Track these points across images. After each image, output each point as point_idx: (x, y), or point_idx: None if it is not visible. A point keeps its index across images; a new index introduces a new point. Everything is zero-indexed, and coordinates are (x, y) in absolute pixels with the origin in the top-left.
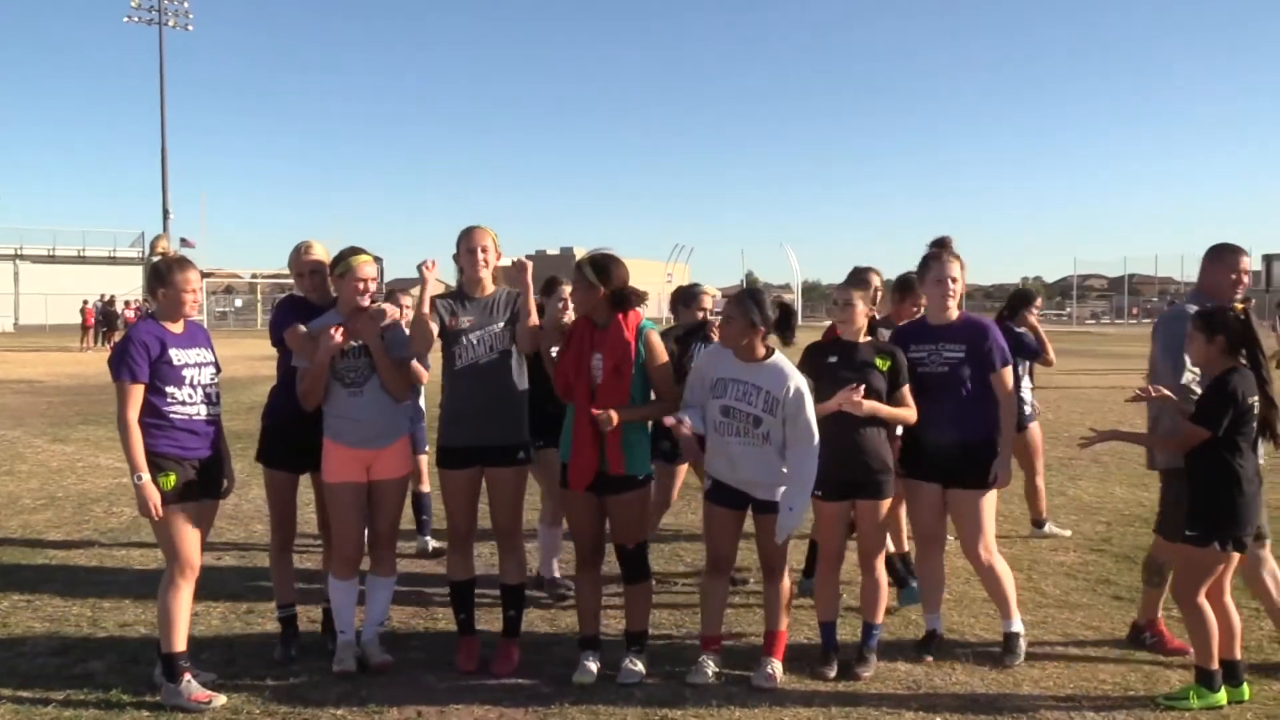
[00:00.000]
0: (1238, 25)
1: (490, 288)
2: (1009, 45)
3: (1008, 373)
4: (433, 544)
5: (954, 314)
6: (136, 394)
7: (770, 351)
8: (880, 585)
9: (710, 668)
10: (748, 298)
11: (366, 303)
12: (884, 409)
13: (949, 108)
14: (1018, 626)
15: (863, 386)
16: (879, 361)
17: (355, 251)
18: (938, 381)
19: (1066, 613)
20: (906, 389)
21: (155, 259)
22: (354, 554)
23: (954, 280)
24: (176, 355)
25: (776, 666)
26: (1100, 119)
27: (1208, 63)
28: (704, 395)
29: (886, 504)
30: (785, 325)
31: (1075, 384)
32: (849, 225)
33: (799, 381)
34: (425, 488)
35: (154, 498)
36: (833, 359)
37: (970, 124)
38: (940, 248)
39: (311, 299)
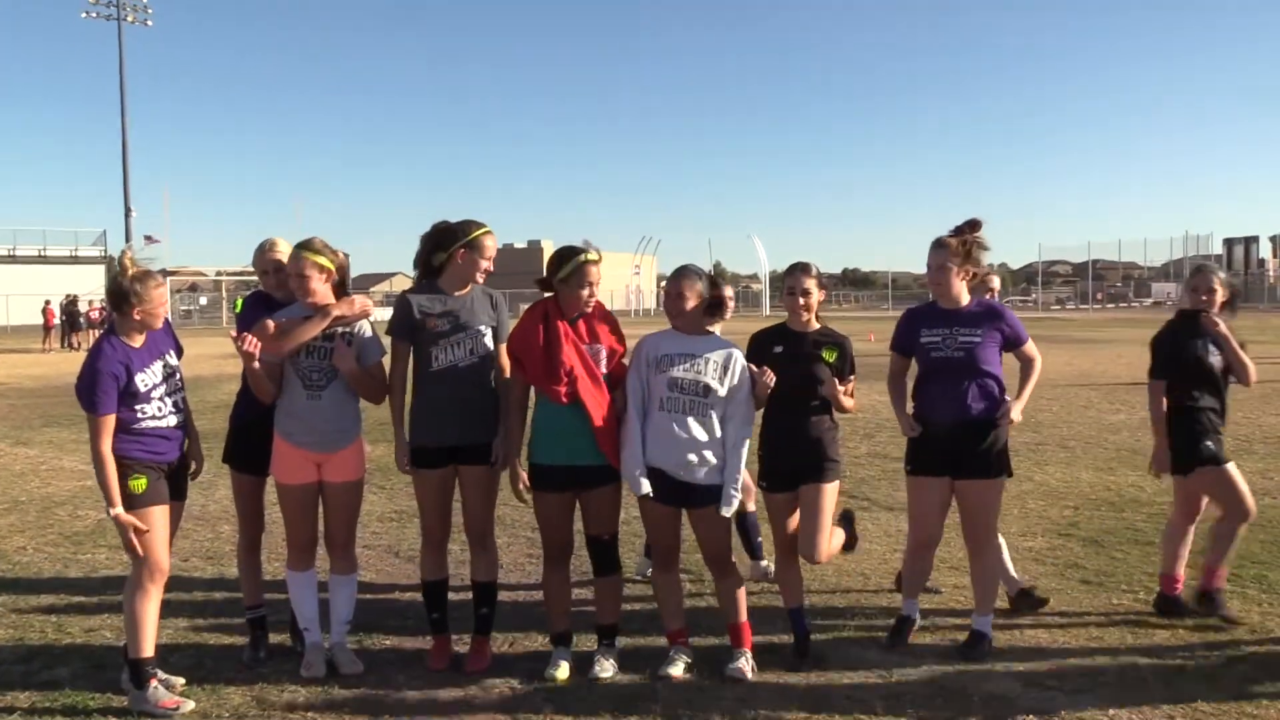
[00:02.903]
0: (1196, 11)
1: (471, 287)
2: (971, 32)
3: (1029, 345)
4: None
5: (964, 299)
6: (108, 425)
7: (711, 329)
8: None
9: (682, 660)
10: (699, 270)
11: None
12: (836, 394)
13: (913, 96)
14: (989, 629)
15: (767, 368)
16: (825, 353)
17: (305, 244)
18: (954, 365)
19: None
20: (853, 381)
21: (119, 278)
22: (305, 545)
23: (944, 268)
24: (142, 379)
25: (747, 656)
26: (1063, 105)
27: (1168, 48)
28: (646, 376)
29: (830, 488)
30: (718, 305)
31: (1041, 370)
32: (815, 215)
33: (739, 353)
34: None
35: (131, 525)
36: (778, 348)
37: (935, 112)
38: (950, 233)
39: (276, 296)
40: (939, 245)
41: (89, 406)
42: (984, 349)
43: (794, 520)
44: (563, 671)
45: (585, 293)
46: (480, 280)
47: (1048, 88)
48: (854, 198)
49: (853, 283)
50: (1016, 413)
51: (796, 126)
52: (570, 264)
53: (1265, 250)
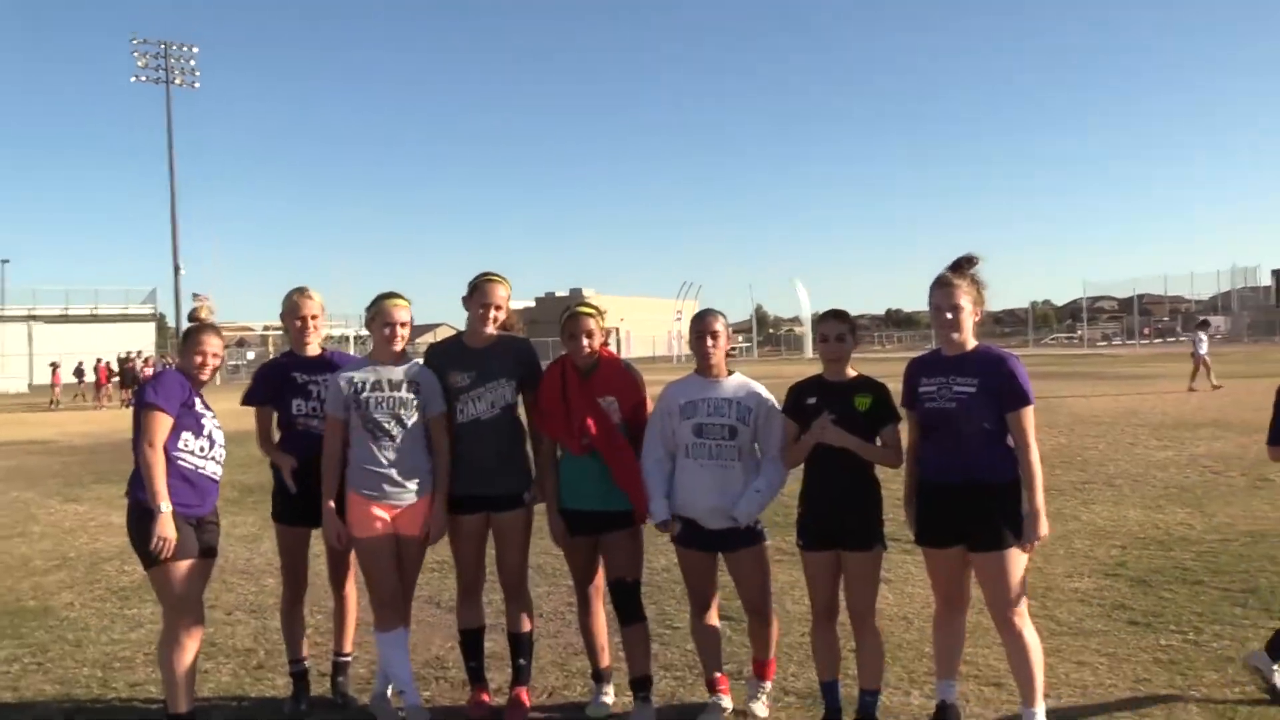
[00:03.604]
0: (1232, 40)
1: (492, 337)
2: (1015, 73)
3: (1027, 414)
4: None
5: (968, 344)
6: (165, 423)
7: (731, 371)
8: (877, 647)
9: (723, 707)
10: (719, 313)
11: (398, 347)
12: (854, 441)
13: (954, 135)
14: (1041, 718)
15: (833, 415)
16: (859, 401)
17: (387, 295)
18: (945, 418)
19: (1081, 639)
20: (898, 429)
21: (190, 323)
22: (391, 600)
23: (954, 309)
24: (199, 405)
25: (768, 687)
26: (1104, 140)
27: (1207, 82)
28: (671, 426)
29: (874, 556)
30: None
31: (1087, 408)
32: (857, 256)
33: (766, 393)
34: None
35: (171, 533)
36: (811, 400)
37: (976, 149)
38: (949, 270)
39: (297, 352)
40: (947, 284)
41: (145, 401)
42: (979, 401)
43: (833, 582)
44: (608, 699)
45: (577, 343)
46: (489, 329)
47: (1088, 124)
48: (896, 238)
49: (896, 323)
50: (1042, 528)
51: (838, 168)
52: (473, 287)
53: None
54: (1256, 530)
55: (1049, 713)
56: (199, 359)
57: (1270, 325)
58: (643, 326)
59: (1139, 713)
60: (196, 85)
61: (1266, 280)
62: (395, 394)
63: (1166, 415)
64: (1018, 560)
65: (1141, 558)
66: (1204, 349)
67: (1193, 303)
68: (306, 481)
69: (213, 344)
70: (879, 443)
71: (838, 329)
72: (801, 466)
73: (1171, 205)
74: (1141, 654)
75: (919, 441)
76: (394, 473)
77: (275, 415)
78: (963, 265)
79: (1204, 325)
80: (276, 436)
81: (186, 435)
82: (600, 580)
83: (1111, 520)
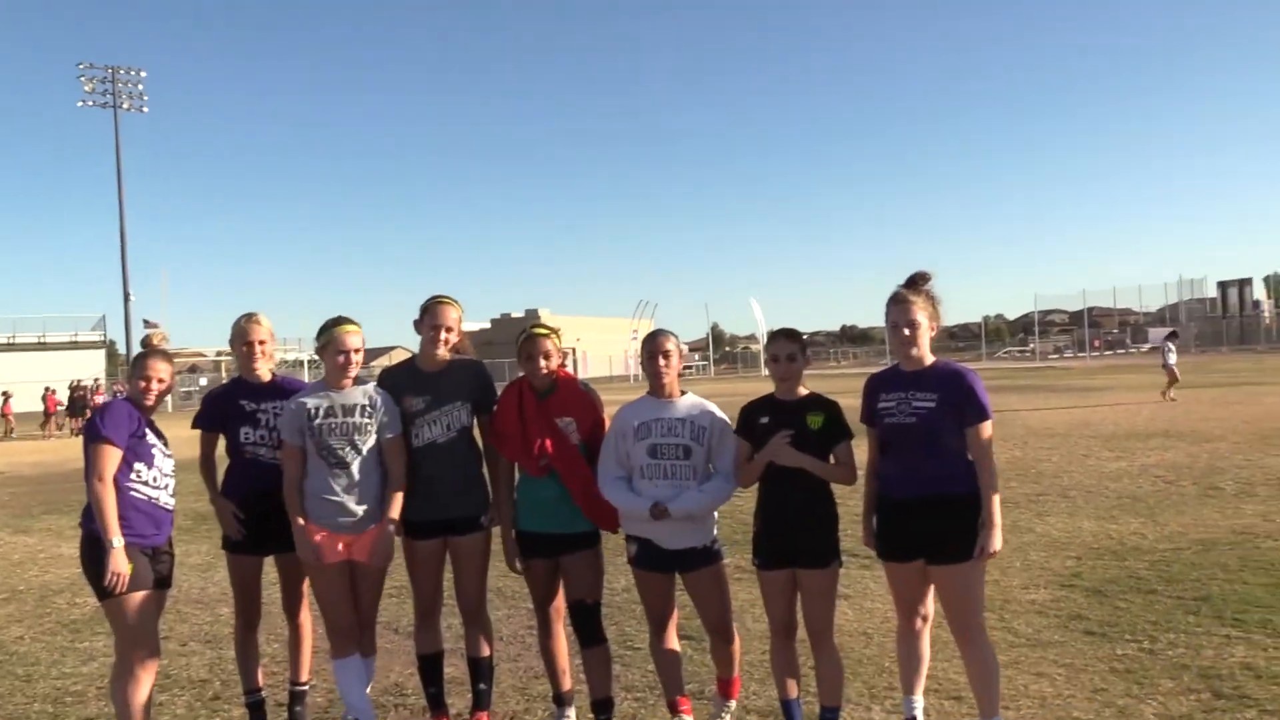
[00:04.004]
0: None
1: (445, 360)
2: (963, 89)
3: (986, 428)
4: None
5: (925, 360)
6: (114, 456)
7: (684, 391)
8: (836, 663)
9: None
10: (670, 332)
11: (352, 374)
12: (808, 460)
13: (905, 151)
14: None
15: (789, 434)
16: (811, 419)
17: (338, 321)
18: (904, 433)
19: (1039, 650)
20: (848, 446)
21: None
22: (346, 628)
23: (911, 325)
24: (150, 435)
25: (732, 705)
26: (1051, 154)
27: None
28: (625, 448)
29: (830, 574)
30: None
31: (1041, 421)
32: (812, 274)
33: (719, 412)
34: None
35: (124, 567)
36: (764, 419)
37: (927, 166)
38: (904, 287)
39: (246, 378)
40: (903, 300)
41: (94, 434)
42: (939, 416)
43: (790, 600)
44: None
45: (534, 365)
46: (441, 351)
47: (1036, 139)
48: (850, 255)
49: (851, 339)
50: (996, 541)
51: (791, 187)
52: (424, 310)
53: (1259, 292)
54: (1207, 539)
55: None
56: (143, 384)
57: (1217, 336)
58: (599, 346)
59: None
60: (145, 109)
61: (1213, 292)
62: (349, 419)
63: (1118, 426)
64: (976, 574)
65: (1096, 568)
66: (1173, 359)
67: (1141, 315)
68: (255, 510)
69: (160, 369)
70: (832, 460)
71: (788, 349)
72: (756, 485)
73: (1119, 218)
74: (1098, 664)
75: (878, 457)
76: (348, 501)
77: (223, 440)
78: (917, 281)
79: (1173, 336)
80: (225, 463)
81: (139, 466)
82: (561, 602)
83: (1066, 531)
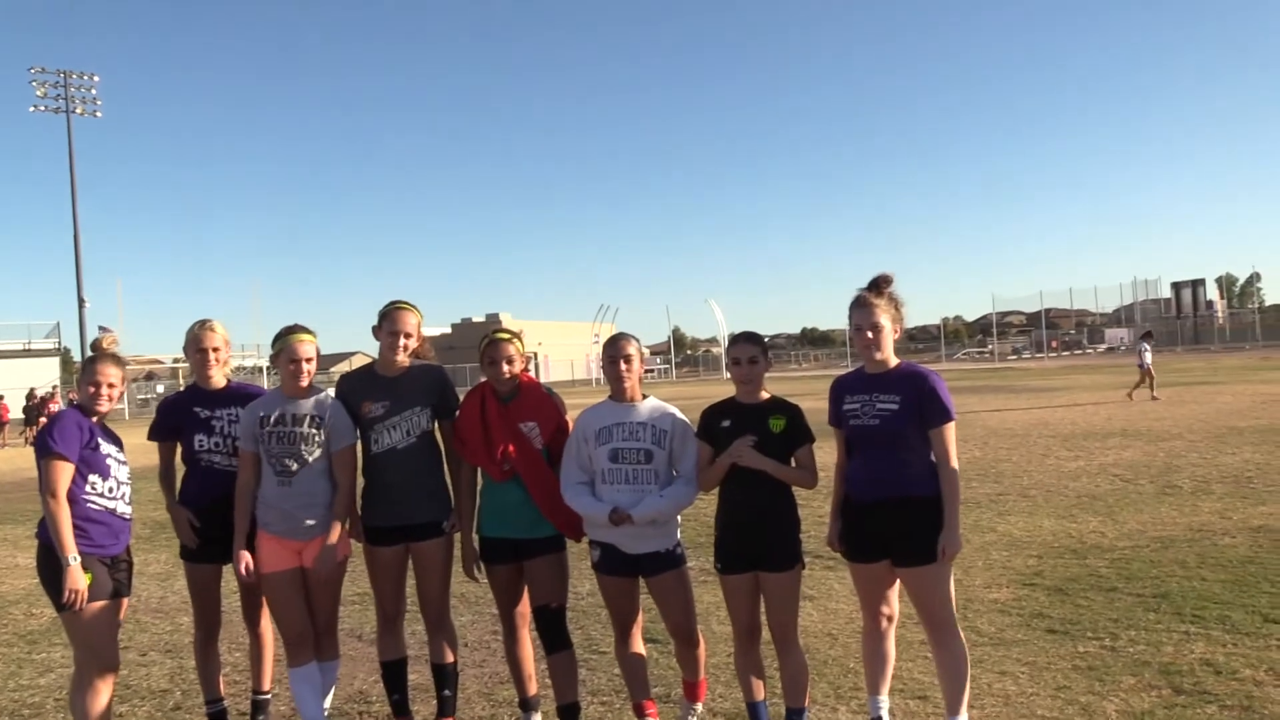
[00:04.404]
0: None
1: (404, 365)
2: (918, 89)
3: (948, 429)
4: None
5: (890, 362)
6: (67, 471)
7: (645, 395)
8: (801, 664)
9: None
10: (631, 336)
11: (304, 382)
12: (771, 464)
13: (864, 155)
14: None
15: (753, 438)
16: (773, 422)
17: (292, 330)
18: (869, 435)
19: (1002, 649)
20: (809, 449)
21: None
22: (299, 636)
23: (875, 328)
24: (103, 444)
25: (698, 708)
26: (1008, 157)
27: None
28: (587, 452)
29: (793, 577)
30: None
31: (1000, 422)
32: (772, 276)
33: (681, 415)
34: None
35: (81, 584)
36: (726, 423)
37: (885, 168)
38: (866, 290)
39: (200, 385)
40: (866, 304)
41: (46, 449)
42: (902, 418)
43: (753, 603)
44: None
45: (497, 369)
46: (400, 358)
47: (994, 142)
48: (810, 257)
49: (811, 342)
50: (956, 543)
51: (750, 188)
52: (382, 316)
53: (1212, 292)
54: (1166, 536)
55: None
56: (92, 389)
57: (1171, 336)
58: (561, 351)
59: (1060, 719)
60: (99, 114)
61: (1167, 292)
62: (298, 429)
63: (1076, 426)
64: (943, 573)
65: (1057, 567)
66: (1149, 359)
67: (1098, 315)
68: (212, 518)
69: (110, 374)
70: (794, 464)
71: (750, 352)
72: (718, 489)
73: (1076, 220)
74: (1061, 662)
75: (845, 459)
76: (295, 508)
77: (179, 450)
78: (880, 284)
79: (1148, 336)
80: (181, 471)
81: (94, 478)
82: (525, 607)
83: (1027, 531)
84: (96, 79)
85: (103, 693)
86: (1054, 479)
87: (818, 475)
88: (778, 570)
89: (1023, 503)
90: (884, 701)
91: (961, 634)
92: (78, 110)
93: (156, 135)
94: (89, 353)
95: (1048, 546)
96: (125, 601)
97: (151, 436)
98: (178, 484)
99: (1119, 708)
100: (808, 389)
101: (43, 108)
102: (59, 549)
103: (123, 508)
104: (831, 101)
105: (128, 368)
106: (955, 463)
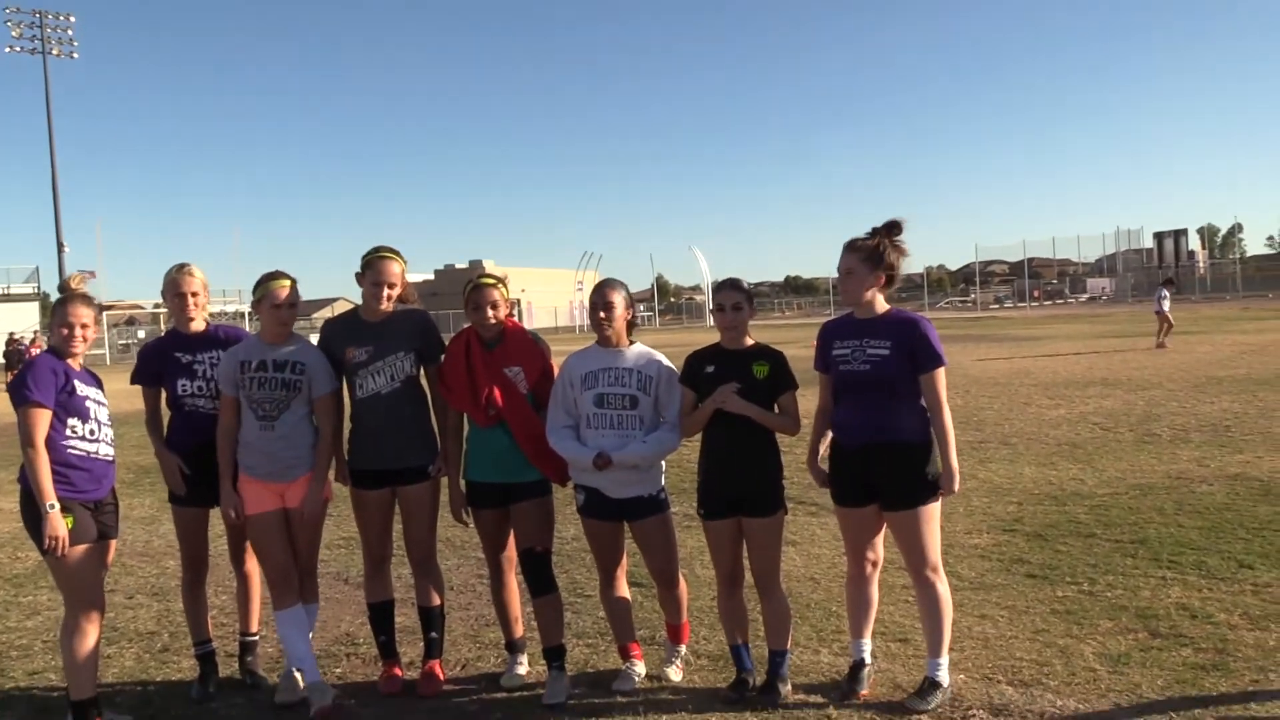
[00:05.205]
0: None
1: (388, 311)
2: (901, 38)
3: (939, 375)
4: None
5: (879, 308)
6: (44, 418)
7: (633, 341)
8: (784, 608)
9: (636, 673)
10: (620, 283)
11: (286, 328)
12: (754, 409)
13: (849, 102)
14: (944, 676)
15: (736, 384)
16: (757, 369)
17: (273, 276)
18: (859, 380)
19: (982, 594)
20: (792, 395)
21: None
22: (284, 577)
23: (851, 273)
24: (80, 387)
25: (682, 650)
26: (995, 104)
27: (1094, 46)
28: (572, 396)
29: (775, 522)
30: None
31: (982, 370)
32: (756, 224)
33: (667, 362)
34: None
35: (61, 531)
36: (710, 368)
37: (871, 116)
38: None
39: (180, 329)
40: (848, 248)
41: (21, 397)
42: (893, 364)
43: (735, 548)
44: (522, 669)
45: (481, 315)
46: (384, 304)
47: (978, 89)
48: (794, 204)
49: (795, 290)
50: (957, 483)
51: (734, 136)
52: (366, 264)
53: (1194, 243)
54: (1144, 484)
55: (952, 665)
56: (65, 331)
57: (1152, 286)
58: (544, 298)
59: (1038, 661)
60: (75, 56)
61: (1149, 242)
62: (279, 374)
63: (1057, 375)
64: (931, 517)
65: (1037, 513)
66: (1167, 306)
67: (1080, 265)
68: (199, 462)
69: (82, 314)
70: (777, 410)
71: (734, 298)
72: (701, 435)
73: (1059, 169)
74: (1040, 605)
75: (831, 405)
76: (278, 450)
77: (164, 394)
78: (879, 231)
79: (1169, 283)
80: (167, 416)
81: (73, 421)
82: (512, 551)
83: (1008, 478)
84: (73, 19)
85: (90, 634)
86: (1035, 427)
87: (800, 422)
88: (759, 515)
89: (1004, 450)
90: (866, 644)
91: (945, 581)
92: (54, 51)
93: (134, 77)
94: (58, 294)
95: (1028, 493)
96: (113, 544)
97: (134, 381)
98: (165, 430)
99: (1096, 650)
100: (791, 337)
101: (18, 48)
102: (38, 497)
103: (105, 450)
104: (812, 44)
105: (110, 312)
106: (947, 407)
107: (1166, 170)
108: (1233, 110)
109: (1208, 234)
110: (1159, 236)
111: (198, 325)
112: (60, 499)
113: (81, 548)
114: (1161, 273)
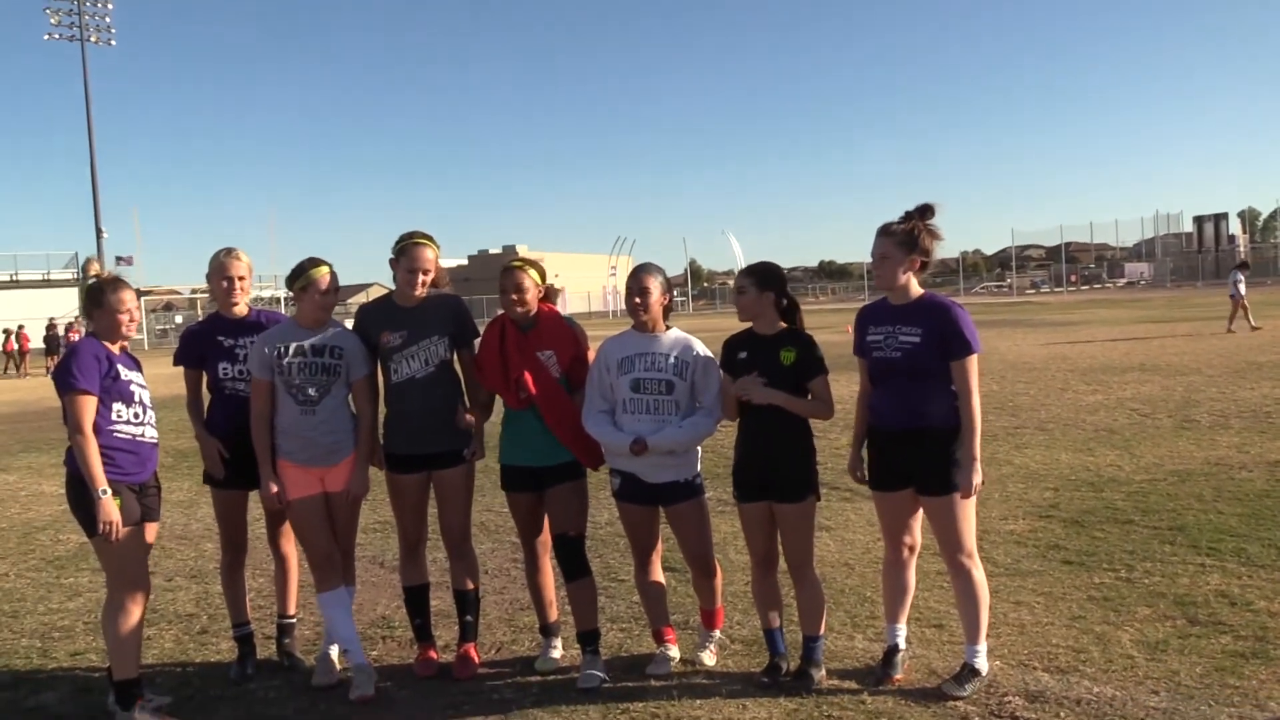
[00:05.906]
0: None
1: (422, 297)
2: (941, 25)
3: (971, 362)
4: None
5: (913, 293)
6: (91, 405)
7: (670, 326)
8: (817, 593)
9: (671, 657)
10: (658, 268)
11: (327, 314)
12: (781, 396)
13: (886, 89)
14: (982, 662)
15: (762, 380)
16: (784, 354)
17: (315, 263)
18: (892, 367)
19: (1018, 580)
20: (823, 380)
21: (90, 281)
22: (326, 560)
23: (885, 257)
24: (123, 371)
25: (716, 635)
26: (1030, 90)
27: (1132, 31)
28: (608, 381)
29: (806, 508)
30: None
31: (1018, 355)
32: (790, 209)
33: (703, 347)
34: None
35: (115, 515)
36: (742, 354)
37: (907, 103)
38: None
39: (223, 313)
40: (882, 232)
41: (67, 385)
42: (924, 351)
43: (769, 532)
44: (556, 653)
45: (507, 298)
46: (417, 290)
47: (1015, 76)
48: (828, 190)
49: (829, 275)
50: (977, 477)
51: (769, 122)
52: (399, 250)
53: (1235, 226)
54: (1183, 470)
55: (990, 651)
56: (125, 317)
57: (1191, 270)
58: (578, 283)
59: (1075, 648)
60: (113, 43)
61: (1188, 226)
62: (318, 359)
63: (1094, 360)
64: (966, 503)
65: (1074, 499)
66: (1242, 290)
67: (1118, 250)
68: (239, 445)
69: (129, 299)
70: (809, 396)
71: (739, 283)
72: (737, 421)
73: (1097, 154)
74: (1076, 592)
75: (868, 388)
76: (317, 436)
77: (204, 378)
78: (912, 215)
79: (1243, 267)
80: (207, 399)
81: (118, 406)
82: (546, 535)
83: (1044, 464)
84: (110, 6)
85: (134, 614)
86: (1071, 413)
87: (833, 407)
88: (790, 501)
89: (1040, 436)
90: (901, 630)
91: (981, 567)
92: (92, 39)
93: (171, 65)
94: (87, 281)
95: (1064, 479)
96: (155, 526)
97: (177, 362)
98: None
99: (1133, 637)
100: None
101: (57, 36)
102: (90, 483)
103: (150, 432)
104: (850, 31)
105: (147, 298)
106: (976, 396)
107: (1207, 154)
108: (1275, 93)
109: (1249, 218)
110: (1199, 220)
111: (240, 310)
112: (108, 480)
113: (127, 530)
114: (1231, 256)
